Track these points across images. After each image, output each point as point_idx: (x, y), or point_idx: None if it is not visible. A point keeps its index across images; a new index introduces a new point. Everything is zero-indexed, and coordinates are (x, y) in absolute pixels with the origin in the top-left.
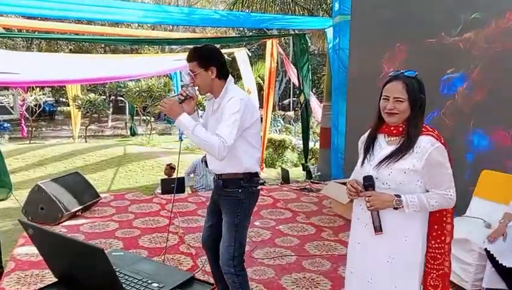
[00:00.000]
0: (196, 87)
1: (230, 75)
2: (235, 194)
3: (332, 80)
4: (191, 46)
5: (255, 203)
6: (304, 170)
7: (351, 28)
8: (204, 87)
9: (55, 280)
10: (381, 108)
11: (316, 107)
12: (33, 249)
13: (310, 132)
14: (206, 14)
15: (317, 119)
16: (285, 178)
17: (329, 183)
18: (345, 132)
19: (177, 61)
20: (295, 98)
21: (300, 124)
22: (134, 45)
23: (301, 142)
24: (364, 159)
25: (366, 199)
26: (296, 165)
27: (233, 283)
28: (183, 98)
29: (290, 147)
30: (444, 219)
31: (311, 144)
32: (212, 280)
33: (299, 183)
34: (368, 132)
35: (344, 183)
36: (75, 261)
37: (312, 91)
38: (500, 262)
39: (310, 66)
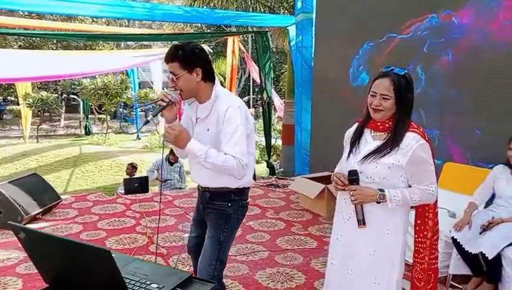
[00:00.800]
0: (178, 91)
1: (216, 77)
2: (224, 208)
3: (294, 78)
4: (146, 43)
5: (244, 217)
6: (267, 166)
7: (316, 25)
8: (188, 91)
9: (17, 289)
10: (368, 103)
11: (278, 104)
12: None
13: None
14: (168, 9)
15: (278, 116)
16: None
17: (297, 179)
18: (310, 129)
19: (135, 58)
20: (255, 96)
21: (261, 121)
22: (89, 41)
23: (263, 139)
24: (349, 153)
25: (351, 193)
26: (257, 162)
27: None
28: (165, 104)
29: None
30: (426, 213)
31: (272, 141)
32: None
33: (265, 180)
34: (355, 125)
35: (312, 179)
36: (74, 264)
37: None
38: (466, 249)
39: (271, 64)
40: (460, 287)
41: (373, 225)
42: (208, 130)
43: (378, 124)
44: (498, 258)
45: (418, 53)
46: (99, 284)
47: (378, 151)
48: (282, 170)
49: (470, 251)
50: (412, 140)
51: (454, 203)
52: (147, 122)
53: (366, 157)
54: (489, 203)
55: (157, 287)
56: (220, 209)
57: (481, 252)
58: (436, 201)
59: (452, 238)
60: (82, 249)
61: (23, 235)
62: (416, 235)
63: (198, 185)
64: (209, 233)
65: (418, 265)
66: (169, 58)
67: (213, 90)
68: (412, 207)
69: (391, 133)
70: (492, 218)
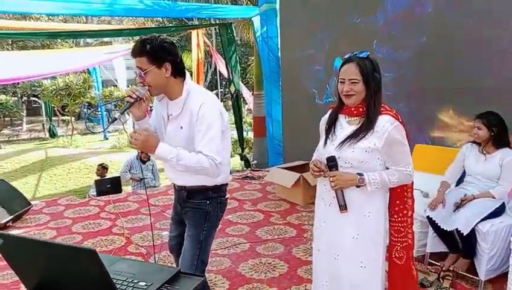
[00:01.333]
0: (146, 87)
1: (186, 72)
2: (202, 206)
3: (262, 69)
4: (107, 39)
5: (223, 214)
6: (241, 159)
7: (281, 15)
8: (157, 87)
9: None
10: (339, 91)
11: (247, 96)
12: None
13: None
14: (129, 3)
15: (248, 109)
16: None
17: (272, 170)
18: (282, 119)
19: (96, 56)
20: (222, 89)
21: (231, 114)
22: (48, 39)
23: (234, 132)
24: (326, 140)
25: (330, 179)
26: (231, 156)
27: None
28: (133, 100)
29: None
30: (405, 193)
31: (243, 134)
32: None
33: (240, 173)
34: (329, 112)
35: (287, 169)
36: (59, 267)
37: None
38: (441, 227)
39: (237, 56)
40: (438, 264)
41: (354, 209)
42: (182, 128)
43: (352, 109)
44: (472, 233)
45: (384, 34)
46: (87, 286)
47: (354, 136)
48: (256, 162)
49: (445, 229)
50: (386, 122)
51: (426, 183)
52: (114, 120)
53: (342, 142)
54: (460, 181)
55: (145, 285)
56: (199, 208)
57: (456, 229)
58: (412, 181)
59: (427, 217)
60: (66, 250)
61: (0, 242)
62: (395, 216)
63: (174, 184)
64: (188, 232)
65: (399, 244)
66: (137, 52)
67: (184, 86)
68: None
69: (365, 117)
70: (465, 195)
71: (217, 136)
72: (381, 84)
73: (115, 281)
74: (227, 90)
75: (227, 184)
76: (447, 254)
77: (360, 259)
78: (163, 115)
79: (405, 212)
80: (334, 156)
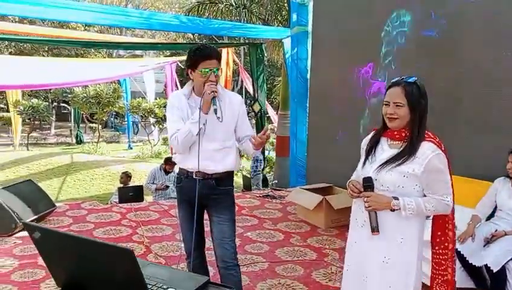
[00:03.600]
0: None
1: None
2: (230, 191)
3: (290, 89)
4: (138, 52)
5: None
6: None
7: (313, 37)
8: (217, 83)
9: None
10: (383, 113)
11: (272, 115)
12: None
13: None
14: (165, 18)
15: (271, 128)
16: (247, 185)
17: (294, 190)
18: (307, 140)
19: (130, 67)
20: (247, 108)
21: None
22: (84, 48)
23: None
24: (365, 161)
25: (365, 199)
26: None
27: (236, 273)
28: (216, 94)
29: (245, 156)
30: (447, 225)
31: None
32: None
33: (261, 191)
34: (372, 134)
35: (309, 190)
36: (93, 264)
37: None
38: (470, 262)
39: (265, 76)
40: None
41: (387, 232)
42: (218, 118)
43: (395, 133)
44: (502, 271)
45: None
46: (118, 287)
47: (394, 160)
48: (276, 181)
49: (473, 264)
50: (427, 149)
51: (456, 216)
52: (215, 110)
53: (382, 165)
54: (491, 215)
55: None
56: (228, 193)
57: (485, 265)
58: (453, 212)
59: (456, 250)
60: (102, 248)
61: (37, 235)
62: (437, 247)
63: (195, 177)
64: (222, 217)
65: (440, 277)
66: (215, 55)
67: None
68: (427, 218)
69: (407, 142)
70: (496, 231)
71: None
72: (427, 110)
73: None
74: (250, 109)
75: None
76: None
77: (388, 284)
78: (195, 109)
79: (446, 244)
80: (370, 177)
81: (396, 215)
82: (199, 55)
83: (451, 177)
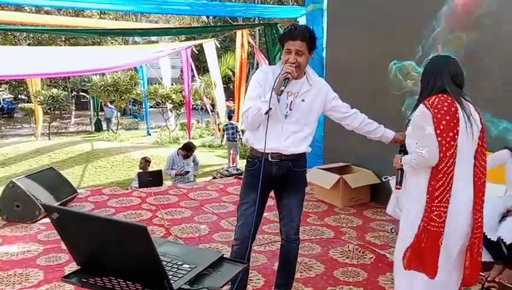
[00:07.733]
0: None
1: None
2: (303, 173)
3: None
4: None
5: None
6: None
7: (328, 15)
8: (301, 67)
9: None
10: None
11: None
12: (13, 249)
13: None
14: (179, 2)
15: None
16: None
17: (312, 170)
18: (323, 120)
19: (146, 53)
20: None
21: None
22: (100, 37)
23: None
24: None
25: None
26: None
27: (296, 246)
28: (291, 76)
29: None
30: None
31: None
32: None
33: None
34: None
35: (326, 170)
36: (110, 242)
37: None
38: (488, 236)
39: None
40: (483, 274)
41: (406, 187)
42: (303, 101)
43: None
44: None
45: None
46: (133, 263)
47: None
48: None
49: (490, 238)
50: (417, 111)
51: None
52: (281, 92)
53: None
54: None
55: (189, 267)
56: (301, 175)
57: (499, 237)
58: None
59: None
60: (116, 225)
61: (56, 216)
62: (479, 214)
63: (270, 158)
64: (292, 198)
65: (477, 241)
66: (300, 36)
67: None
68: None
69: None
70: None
71: None
72: (435, 81)
73: None
74: None
75: None
76: (492, 264)
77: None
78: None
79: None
80: (404, 143)
81: (408, 172)
82: (285, 35)
83: (442, 132)
